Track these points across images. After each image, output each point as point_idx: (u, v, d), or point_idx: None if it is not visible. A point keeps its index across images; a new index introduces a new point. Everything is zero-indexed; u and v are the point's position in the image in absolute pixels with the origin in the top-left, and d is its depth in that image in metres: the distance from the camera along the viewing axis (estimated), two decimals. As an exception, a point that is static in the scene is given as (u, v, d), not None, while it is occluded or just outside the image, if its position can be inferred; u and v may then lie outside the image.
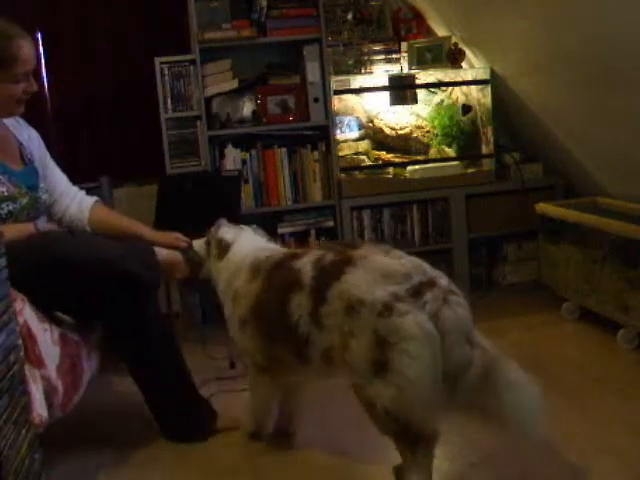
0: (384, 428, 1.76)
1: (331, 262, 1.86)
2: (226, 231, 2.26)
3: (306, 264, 1.90)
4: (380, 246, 1.92)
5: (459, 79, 3.68)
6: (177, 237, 2.38)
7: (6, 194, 2.08)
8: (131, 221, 2.42)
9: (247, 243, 2.22)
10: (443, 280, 1.75)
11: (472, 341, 1.71)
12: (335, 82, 3.48)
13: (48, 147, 2.41)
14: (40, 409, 1.74)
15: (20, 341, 1.68)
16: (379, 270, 1.76)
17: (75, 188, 2.43)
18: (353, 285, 1.75)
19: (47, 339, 1.85)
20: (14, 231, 1.99)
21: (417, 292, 1.69)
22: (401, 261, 1.79)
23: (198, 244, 2.36)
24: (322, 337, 1.83)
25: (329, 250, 1.93)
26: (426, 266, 1.80)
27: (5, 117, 2.20)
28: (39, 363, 1.78)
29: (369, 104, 3.70)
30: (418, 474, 1.74)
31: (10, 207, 2.08)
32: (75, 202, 2.38)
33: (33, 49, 2.13)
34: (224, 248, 2.21)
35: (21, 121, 2.30)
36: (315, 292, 1.84)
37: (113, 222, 2.40)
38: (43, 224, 2.17)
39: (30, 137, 2.30)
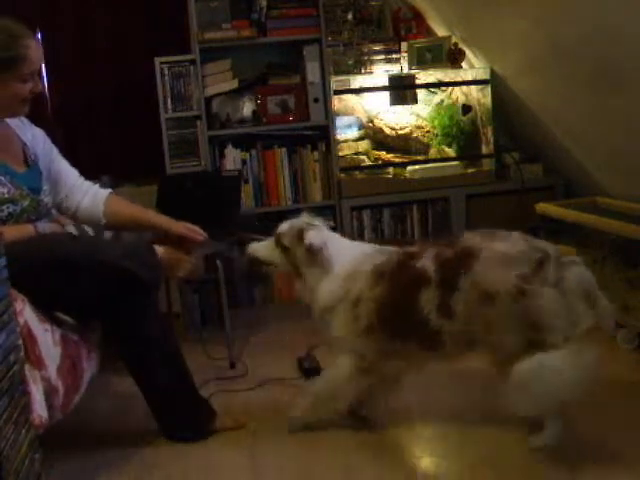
0: (532, 402, 1.89)
1: (453, 256, 1.99)
2: (314, 236, 2.16)
3: (427, 260, 2.02)
4: (479, 233, 2.06)
5: (459, 79, 3.68)
6: (193, 229, 2.35)
7: (7, 196, 2.07)
8: (146, 211, 2.41)
9: (344, 247, 2.21)
10: (552, 249, 1.96)
11: (591, 301, 1.89)
12: (335, 82, 3.48)
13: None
14: (40, 410, 1.74)
15: (20, 341, 1.68)
16: (502, 257, 1.92)
17: (88, 182, 2.40)
18: (485, 276, 1.90)
19: (48, 340, 1.85)
20: (14, 232, 1.98)
21: (539, 268, 1.88)
22: (515, 243, 1.96)
23: (264, 247, 2.28)
24: (453, 325, 1.96)
25: (441, 246, 2.06)
26: (534, 240, 2.02)
27: (10, 117, 2.19)
28: (39, 364, 1.78)
29: (369, 104, 3.70)
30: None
31: (10, 209, 2.07)
32: (89, 196, 2.36)
33: (39, 49, 2.13)
34: (316, 254, 2.13)
35: (25, 121, 2.29)
36: (443, 284, 1.96)
37: (128, 213, 2.37)
38: (44, 226, 2.17)
39: (34, 136, 2.29)
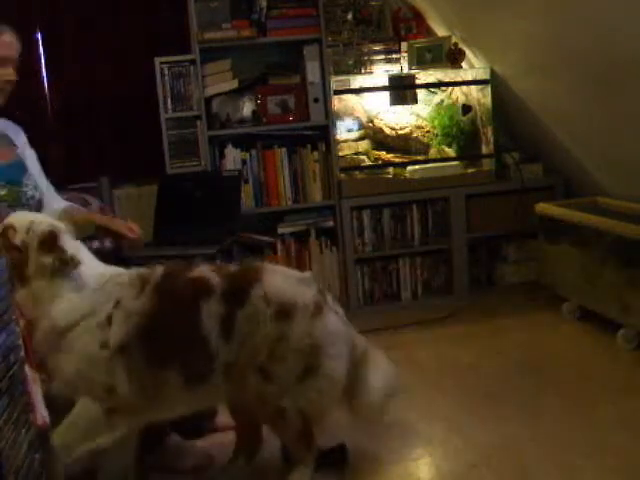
0: (291, 432, 1.78)
1: (239, 271, 1.80)
2: (71, 245, 1.76)
3: (207, 272, 1.77)
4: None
5: (459, 79, 3.68)
6: (129, 227, 2.26)
7: None
8: (91, 213, 2.44)
9: (89, 259, 1.82)
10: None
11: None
12: (335, 82, 3.48)
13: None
14: (43, 411, 1.74)
15: (20, 341, 1.68)
16: (289, 275, 1.84)
17: (57, 195, 2.39)
18: (278, 287, 1.77)
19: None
20: None
21: (322, 293, 1.84)
22: (283, 269, 1.93)
23: None
24: (228, 349, 1.72)
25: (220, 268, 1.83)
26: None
27: None
28: (39, 367, 1.78)
29: (369, 104, 3.70)
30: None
31: None
32: (47, 209, 2.32)
33: (15, 41, 2.14)
34: (67, 267, 1.72)
35: (10, 123, 2.31)
36: (228, 297, 1.73)
37: (77, 219, 2.27)
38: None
39: (18, 135, 2.31)
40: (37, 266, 1.70)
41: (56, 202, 2.39)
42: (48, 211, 2.33)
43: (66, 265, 1.71)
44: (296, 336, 1.69)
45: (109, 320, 1.69)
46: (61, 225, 1.80)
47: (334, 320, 1.74)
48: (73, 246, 1.77)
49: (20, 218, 1.76)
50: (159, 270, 1.76)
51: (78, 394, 1.70)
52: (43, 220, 1.78)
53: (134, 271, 1.78)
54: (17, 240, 1.71)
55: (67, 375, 1.69)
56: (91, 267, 1.78)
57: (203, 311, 1.68)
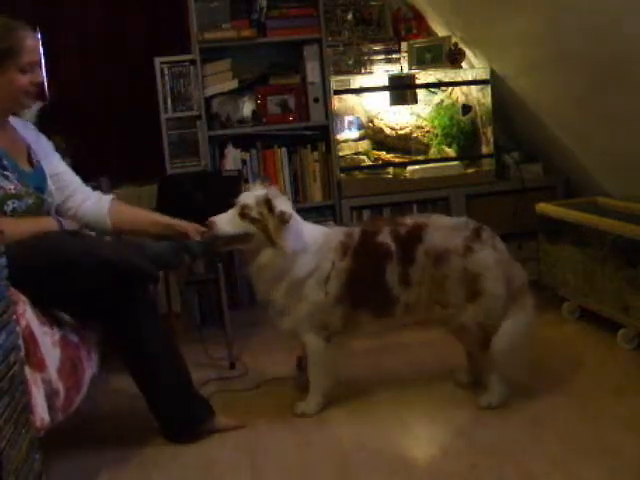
0: (475, 341, 2.32)
1: (407, 232, 2.31)
2: (282, 204, 2.25)
3: (387, 237, 2.30)
4: (426, 214, 2.52)
5: (459, 79, 3.69)
6: (196, 227, 2.34)
7: (13, 192, 2.09)
8: (149, 212, 2.52)
9: (303, 222, 2.34)
10: (485, 227, 2.37)
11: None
12: (335, 82, 3.48)
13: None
14: (42, 413, 1.74)
15: (20, 341, 1.68)
16: (445, 227, 2.33)
17: (89, 188, 2.45)
18: (435, 242, 2.28)
19: (47, 342, 1.85)
20: (32, 225, 2.04)
21: (477, 234, 2.32)
22: (453, 218, 2.45)
23: (229, 223, 2.22)
24: (408, 294, 2.29)
25: (396, 224, 2.35)
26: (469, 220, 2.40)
27: (17, 110, 2.24)
28: (40, 366, 1.78)
29: (369, 104, 3.70)
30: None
31: (15, 204, 2.09)
32: (92, 199, 2.38)
33: (36, 41, 2.19)
34: (288, 222, 2.21)
35: (29, 124, 2.35)
36: (402, 258, 2.28)
37: (132, 214, 2.46)
38: (66, 221, 2.19)
39: (39, 138, 2.34)
40: (274, 226, 2.20)
41: (94, 195, 2.41)
42: (89, 208, 2.37)
43: (284, 222, 2.20)
44: (454, 272, 2.26)
45: (329, 277, 2.27)
46: (270, 190, 2.30)
47: (486, 253, 2.27)
48: (287, 204, 2.28)
49: (247, 196, 2.27)
50: (355, 236, 2.32)
51: (303, 330, 2.32)
52: (259, 192, 2.27)
53: (337, 235, 2.33)
54: (254, 214, 2.22)
55: (300, 314, 2.29)
56: (308, 228, 2.34)
57: (387, 270, 2.28)
